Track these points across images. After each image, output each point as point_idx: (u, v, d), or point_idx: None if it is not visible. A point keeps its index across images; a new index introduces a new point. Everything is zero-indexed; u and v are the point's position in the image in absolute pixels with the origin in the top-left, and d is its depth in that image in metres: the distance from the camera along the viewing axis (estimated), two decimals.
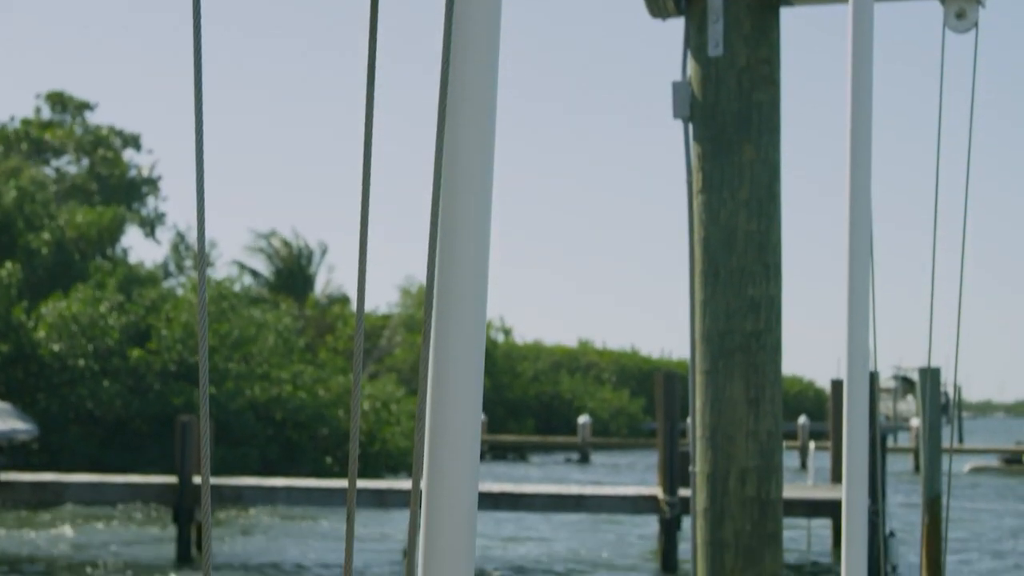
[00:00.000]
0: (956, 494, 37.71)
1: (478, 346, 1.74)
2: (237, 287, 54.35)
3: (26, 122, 55.20)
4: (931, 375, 22.11)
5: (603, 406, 71.14)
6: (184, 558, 23.54)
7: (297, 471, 38.17)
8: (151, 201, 57.94)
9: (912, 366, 76.06)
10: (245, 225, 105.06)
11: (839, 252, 3.90)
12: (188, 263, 57.17)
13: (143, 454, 38.89)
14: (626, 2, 27.36)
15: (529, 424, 67.83)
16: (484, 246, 1.74)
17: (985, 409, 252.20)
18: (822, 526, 27.24)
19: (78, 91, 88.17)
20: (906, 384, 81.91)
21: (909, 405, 79.45)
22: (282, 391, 41.69)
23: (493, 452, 59.13)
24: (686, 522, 23.00)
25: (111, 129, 57.04)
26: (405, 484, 26.80)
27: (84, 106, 56.97)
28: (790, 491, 23.52)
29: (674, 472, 23.47)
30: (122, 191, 55.38)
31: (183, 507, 24.23)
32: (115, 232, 48.98)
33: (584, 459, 57.82)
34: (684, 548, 22.68)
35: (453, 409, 1.72)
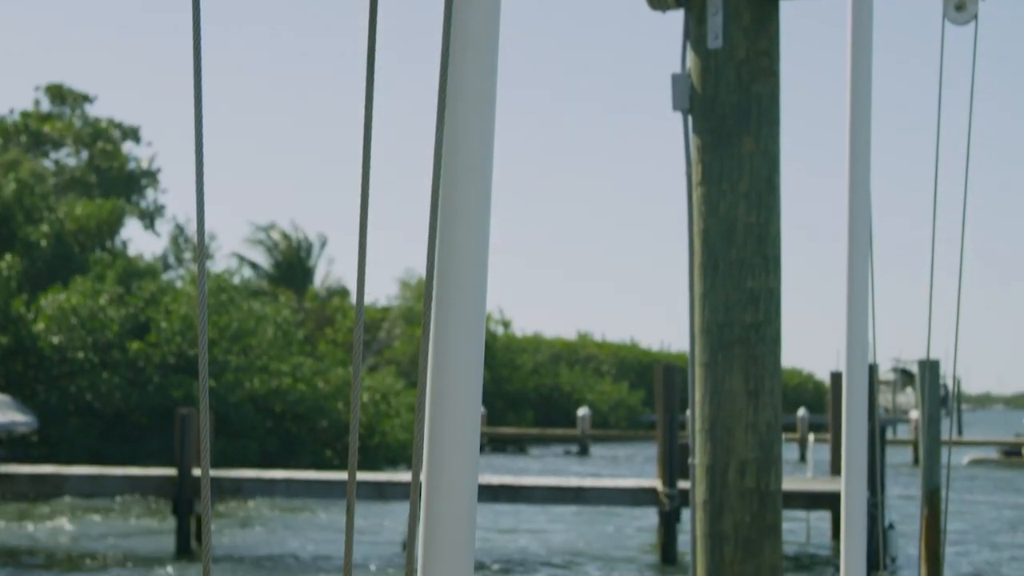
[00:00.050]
0: (955, 486, 37.74)
1: (478, 338, 1.74)
2: (236, 279, 54.36)
3: (25, 114, 55.17)
4: (930, 367, 22.12)
5: (602, 398, 71.17)
6: (183, 550, 23.56)
7: (296, 463, 38.19)
8: (150, 193, 57.93)
9: (911, 358, 76.07)
10: (244, 218, 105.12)
11: (839, 244, 3.90)
12: (187, 255, 57.17)
13: (142, 447, 38.89)
14: None
15: (528, 416, 67.86)
16: (484, 239, 1.74)
17: (984, 402, 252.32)
18: (821, 518, 27.27)
19: (77, 83, 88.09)
20: (905, 376, 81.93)
21: (908, 397, 79.46)
22: (281, 383, 41.70)
23: (492, 444, 59.16)
24: (685, 514, 23.02)
25: (110, 121, 57.01)
26: (404, 476, 26.82)
27: (83, 98, 56.95)
28: (789, 483, 23.53)
29: (673, 464, 23.48)
30: (121, 183, 55.36)
31: (182, 499, 24.24)
32: (114, 224, 48.96)
33: (583, 451, 57.85)
34: (683, 540, 22.70)
35: (453, 402, 1.72)
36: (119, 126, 57.13)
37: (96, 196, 51.07)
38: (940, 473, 20.08)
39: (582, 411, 59.88)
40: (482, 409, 1.82)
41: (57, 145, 55.53)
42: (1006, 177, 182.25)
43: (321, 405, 42.40)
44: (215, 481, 25.00)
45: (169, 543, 24.32)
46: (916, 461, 49.07)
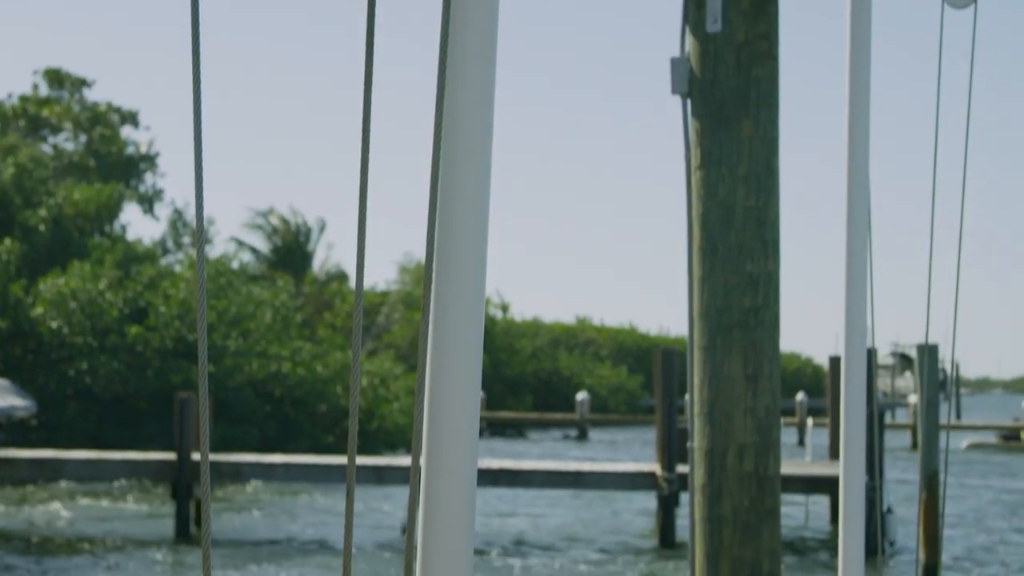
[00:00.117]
0: (953, 471, 37.79)
1: (477, 323, 1.75)
2: (235, 264, 54.34)
3: (24, 99, 55.09)
4: (929, 352, 22.11)
5: (601, 383, 71.18)
6: (183, 534, 23.59)
7: (295, 448, 38.23)
8: (149, 178, 57.87)
9: (910, 343, 76.04)
10: (243, 203, 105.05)
11: (837, 228, 3.90)
12: (186, 240, 57.14)
13: (141, 431, 38.92)
14: None
15: (527, 401, 67.89)
16: (483, 223, 1.74)
17: (983, 386, 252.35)
18: (820, 502, 27.32)
19: (75, 68, 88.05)
20: (904, 361, 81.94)
21: (907, 382, 79.50)
22: (280, 368, 41.72)
23: (491, 429, 59.20)
24: (684, 498, 23.05)
25: (109, 106, 56.94)
26: (403, 461, 26.85)
27: (81, 83, 56.87)
28: (788, 467, 23.57)
29: (672, 448, 23.51)
30: (120, 168, 55.30)
31: (182, 484, 24.27)
32: (113, 209, 48.93)
33: (582, 436, 57.89)
34: (682, 524, 22.74)
35: (452, 386, 1.72)
36: (118, 110, 57.06)
37: (95, 180, 51.02)
38: (939, 457, 20.12)
39: (581, 395, 59.91)
40: (481, 393, 1.82)
41: (56, 130, 55.47)
42: (1006, 161, 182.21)
43: (320, 389, 42.43)
44: (214, 465, 25.03)
45: (168, 527, 24.35)
46: (915, 445, 49.08)
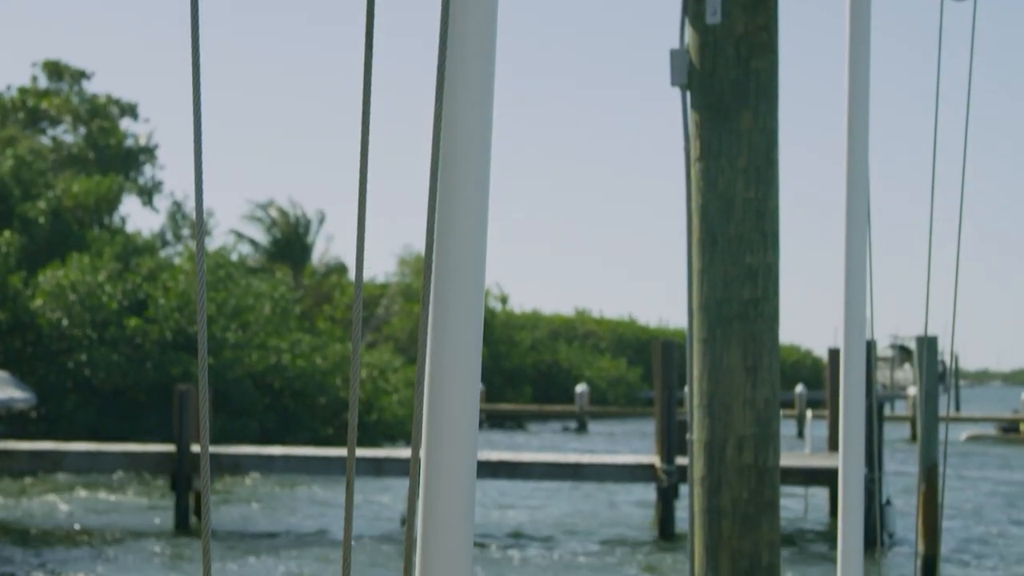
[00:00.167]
0: (952, 463, 37.81)
1: (477, 315, 1.75)
2: (234, 256, 54.33)
3: (23, 91, 55.05)
4: (928, 344, 22.16)
5: (601, 375, 71.20)
6: (182, 526, 23.60)
7: (294, 440, 38.24)
8: (148, 170, 57.85)
9: (909, 335, 76.12)
10: (243, 195, 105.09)
11: (837, 220, 3.90)
12: (185, 232, 57.13)
13: (141, 423, 38.94)
14: None
15: (527, 393, 67.91)
16: (482, 216, 1.74)
17: (982, 378, 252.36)
18: (819, 494, 27.32)
19: (74, 60, 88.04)
20: (903, 353, 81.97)
21: (906, 374, 79.53)
22: (280, 359, 41.74)
23: (491, 421, 59.24)
24: (683, 490, 23.07)
25: (108, 98, 56.91)
26: (403, 453, 26.86)
27: (81, 75, 56.83)
28: (787, 459, 23.58)
29: (671, 440, 23.51)
30: (119, 160, 55.27)
31: (181, 475, 24.28)
32: (112, 201, 48.92)
33: (582, 428, 57.92)
34: (681, 516, 22.76)
35: (452, 378, 1.73)
36: (117, 102, 57.03)
37: (94, 172, 51.00)
38: (938, 449, 20.11)
39: (580, 387, 59.93)
40: (480, 386, 1.82)
41: (55, 122, 55.44)
42: (1005, 152, 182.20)
43: (319, 381, 42.44)
44: (214, 457, 25.04)
45: (168, 519, 24.37)
46: (914, 437, 49.12)
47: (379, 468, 24.85)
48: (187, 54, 1.63)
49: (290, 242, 65.99)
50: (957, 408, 66.84)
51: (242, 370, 40.49)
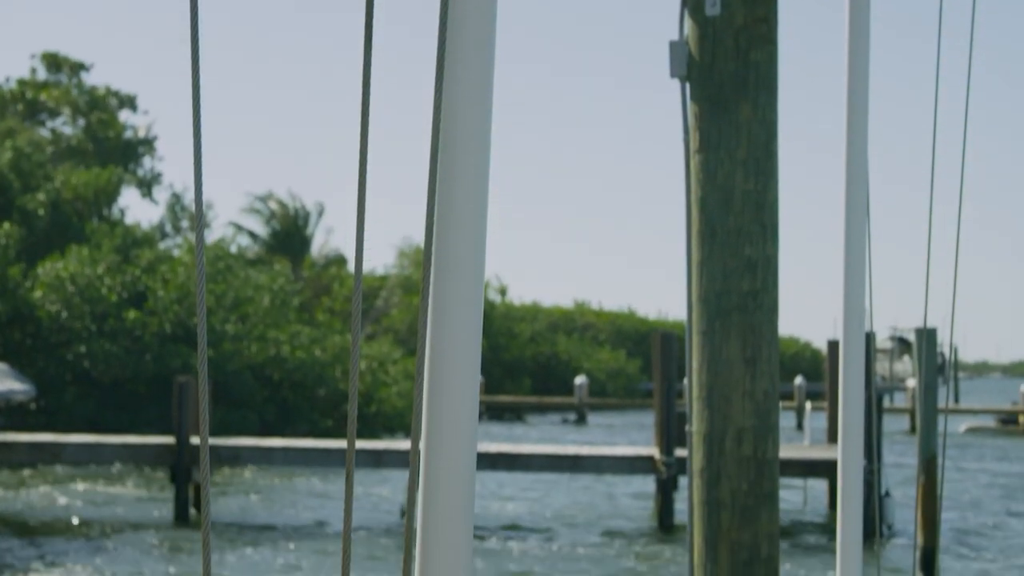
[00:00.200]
0: (951, 454, 37.83)
1: (476, 307, 1.75)
2: (233, 248, 54.33)
3: (22, 82, 55.03)
4: (927, 336, 22.17)
5: (600, 367, 71.20)
6: (182, 518, 23.61)
7: (293, 432, 38.25)
8: (147, 161, 57.84)
9: (908, 327, 76.15)
10: (242, 187, 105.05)
11: (836, 212, 3.90)
12: (185, 224, 57.11)
13: (140, 415, 38.95)
14: None
15: (526, 385, 67.92)
16: (482, 208, 1.74)
17: (981, 370, 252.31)
18: (818, 486, 27.34)
19: (73, 52, 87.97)
20: (902, 345, 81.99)
21: (905, 366, 79.58)
22: (279, 351, 41.75)
23: (490, 413, 59.26)
24: (683, 482, 23.08)
25: (107, 89, 56.88)
26: (402, 444, 26.87)
27: (79, 67, 56.79)
28: (787, 451, 23.59)
29: (670, 432, 23.52)
30: (118, 152, 55.25)
31: (180, 468, 24.29)
32: (112, 193, 48.90)
33: (581, 420, 57.94)
34: (680, 508, 22.78)
35: (452, 370, 1.72)
36: (116, 94, 57.01)
37: (93, 164, 50.99)
38: (937, 441, 20.12)
39: (579, 379, 59.94)
40: (480, 377, 1.82)
41: (54, 114, 55.42)
42: (1005, 143, 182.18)
43: (319, 373, 42.45)
44: (213, 449, 25.04)
45: (167, 511, 24.38)
46: (913, 429, 49.17)
47: (378, 460, 24.86)
48: (186, 45, 1.63)
49: (289, 234, 65.98)
50: (956, 400, 66.86)
51: (241, 362, 40.50)
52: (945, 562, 20.39)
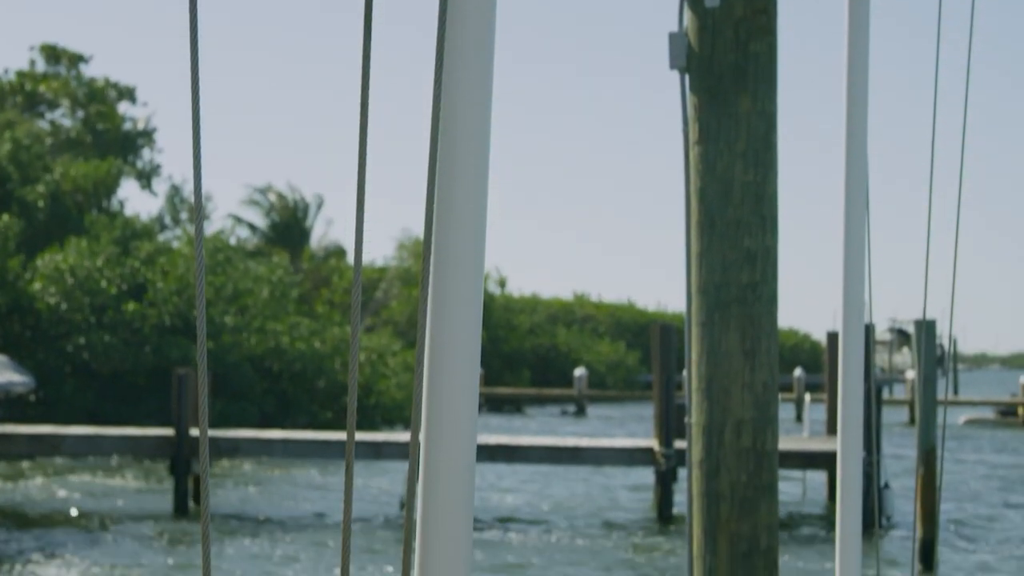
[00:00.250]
0: (950, 446, 37.85)
1: (476, 299, 1.75)
2: (232, 240, 54.30)
3: (20, 74, 54.97)
4: (927, 328, 22.14)
5: (599, 359, 71.22)
6: (181, 510, 23.62)
7: (293, 423, 38.25)
8: (146, 153, 57.79)
9: (908, 319, 76.19)
10: (241, 179, 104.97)
11: (835, 204, 3.90)
12: (184, 216, 57.08)
13: (140, 407, 38.94)
14: None
15: (525, 377, 67.93)
16: (482, 200, 1.74)
17: (980, 362, 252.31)
18: (817, 478, 27.36)
19: (72, 43, 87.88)
20: (902, 336, 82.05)
21: (905, 357, 79.61)
22: (279, 343, 41.74)
23: (489, 405, 59.28)
24: (682, 473, 23.10)
25: (106, 81, 56.83)
26: (401, 436, 26.88)
27: (78, 59, 56.73)
28: (786, 443, 23.61)
29: (670, 424, 23.53)
30: (117, 144, 55.20)
31: (180, 459, 24.29)
32: (111, 185, 48.87)
33: (580, 411, 57.96)
34: (680, 499, 22.79)
35: (451, 362, 1.73)
36: (115, 86, 56.94)
37: (92, 156, 50.95)
38: (936, 433, 20.13)
39: (579, 371, 59.96)
40: (480, 369, 1.82)
41: (52, 105, 55.37)
42: (1005, 136, 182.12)
43: (318, 365, 42.45)
44: (212, 441, 25.05)
45: (166, 503, 24.39)
46: (912, 421, 49.18)
47: (378, 452, 24.88)
48: (185, 38, 1.63)
49: (289, 226, 65.96)
50: (955, 392, 66.93)
51: (241, 354, 40.50)
52: (944, 554, 20.41)
